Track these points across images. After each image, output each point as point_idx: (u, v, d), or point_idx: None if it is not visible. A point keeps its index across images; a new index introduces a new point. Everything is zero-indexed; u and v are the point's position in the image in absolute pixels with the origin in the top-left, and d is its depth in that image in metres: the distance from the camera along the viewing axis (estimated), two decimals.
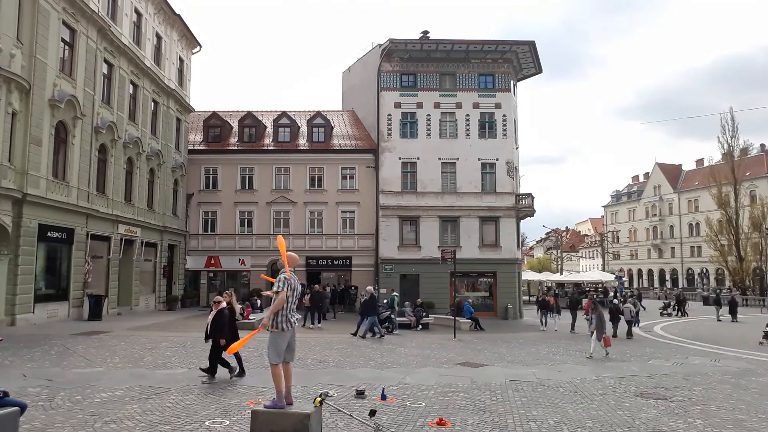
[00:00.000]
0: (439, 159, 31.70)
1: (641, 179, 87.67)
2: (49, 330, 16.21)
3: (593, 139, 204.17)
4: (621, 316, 20.88)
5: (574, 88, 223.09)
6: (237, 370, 10.21)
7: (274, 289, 6.25)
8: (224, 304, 10.52)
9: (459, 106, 32.14)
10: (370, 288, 20.82)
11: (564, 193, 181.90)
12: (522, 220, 33.81)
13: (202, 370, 10.23)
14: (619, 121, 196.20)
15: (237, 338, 10.29)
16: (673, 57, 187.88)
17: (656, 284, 76.30)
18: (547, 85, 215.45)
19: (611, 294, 43.24)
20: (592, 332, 15.46)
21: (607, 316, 19.47)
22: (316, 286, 24.02)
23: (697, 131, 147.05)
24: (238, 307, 11.48)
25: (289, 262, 6.48)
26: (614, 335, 19.93)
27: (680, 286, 71.58)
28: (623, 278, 69.29)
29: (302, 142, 34.22)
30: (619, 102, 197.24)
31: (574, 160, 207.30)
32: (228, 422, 7.09)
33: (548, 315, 23.88)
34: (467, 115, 32.13)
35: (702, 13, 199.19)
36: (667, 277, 77.29)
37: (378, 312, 19.02)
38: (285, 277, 6.26)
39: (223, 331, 10.08)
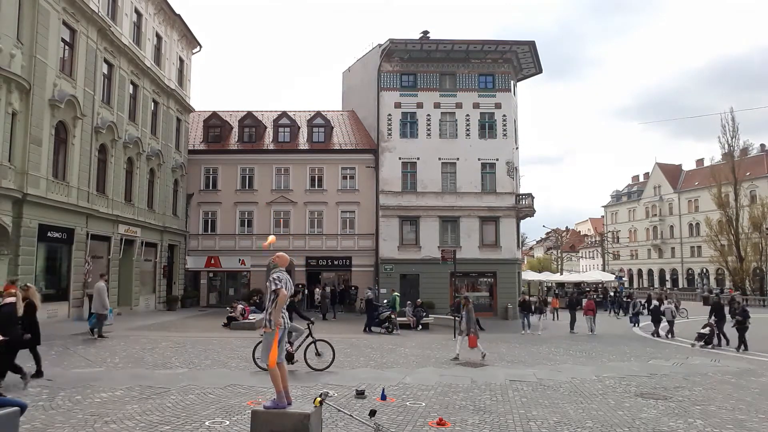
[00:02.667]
0: (439, 159, 31.71)
1: (641, 179, 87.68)
2: (49, 330, 16.14)
3: (592, 140, 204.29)
4: (663, 317, 21.31)
5: (571, 89, 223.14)
6: (29, 377, 8.88)
7: (272, 287, 6.20)
8: (11, 300, 8.93)
9: (459, 106, 32.15)
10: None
11: (564, 193, 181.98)
12: (522, 220, 33.82)
13: None
14: (617, 121, 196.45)
15: (37, 338, 9.38)
16: (668, 58, 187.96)
17: (656, 284, 76.31)
18: (544, 85, 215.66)
19: (611, 294, 43.24)
20: (461, 331, 14.47)
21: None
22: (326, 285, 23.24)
23: (695, 131, 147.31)
24: (39, 303, 9.88)
25: (281, 262, 6.40)
26: (654, 333, 20.67)
27: (680, 286, 71.63)
28: (623, 278, 69.26)
29: (302, 142, 34.23)
30: (617, 103, 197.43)
31: (574, 160, 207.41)
32: (228, 422, 7.08)
33: (530, 316, 23.11)
34: (467, 115, 32.14)
35: (697, 15, 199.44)
36: (667, 277, 77.29)
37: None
38: (278, 276, 6.18)
39: (7, 331, 8.57)
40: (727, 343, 17.42)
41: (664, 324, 21.28)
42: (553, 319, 29.22)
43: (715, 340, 17.59)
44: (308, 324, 11.55)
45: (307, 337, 11.47)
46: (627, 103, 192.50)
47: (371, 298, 22.16)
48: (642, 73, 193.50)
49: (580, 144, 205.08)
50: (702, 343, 17.51)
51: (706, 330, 17.82)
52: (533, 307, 23.19)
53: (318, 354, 11.35)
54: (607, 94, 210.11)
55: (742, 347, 16.50)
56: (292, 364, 11.08)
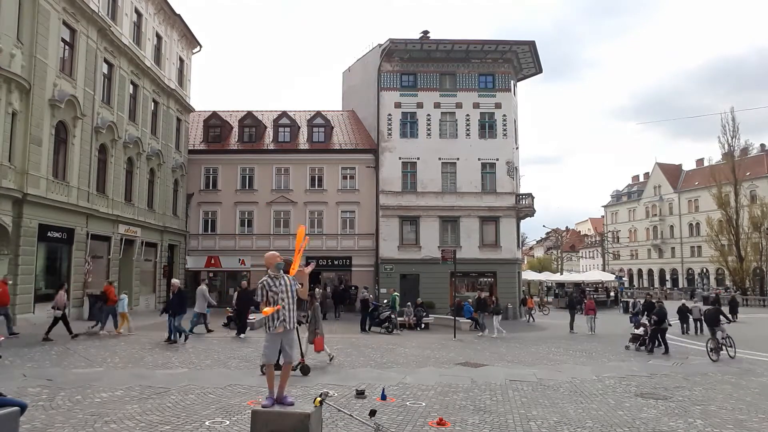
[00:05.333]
0: (439, 159, 31.70)
1: (641, 179, 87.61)
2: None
3: (591, 140, 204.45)
4: (690, 315, 22.17)
5: (568, 89, 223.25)
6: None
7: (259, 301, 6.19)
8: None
9: (459, 106, 32.14)
10: (176, 281, 17.14)
11: (564, 193, 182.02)
12: (522, 220, 33.80)
13: None
14: (615, 122, 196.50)
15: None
16: (664, 59, 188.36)
17: (656, 284, 76.28)
18: (542, 86, 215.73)
19: (613, 293, 43.12)
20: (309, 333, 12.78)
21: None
22: (244, 282, 19.54)
23: (693, 132, 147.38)
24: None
25: (268, 261, 6.24)
26: (683, 332, 21.33)
27: (680, 285, 71.61)
28: (623, 278, 69.24)
29: (302, 142, 34.23)
30: (614, 103, 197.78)
31: (572, 160, 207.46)
32: (228, 422, 7.08)
33: (494, 317, 20.83)
34: (467, 115, 32.13)
35: (692, 16, 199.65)
36: (667, 277, 77.26)
37: (185, 310, 15.80)
38: (260, 285, 6.11)
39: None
40: (665, 349, 16.00)
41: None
42: (529, 321, 28.28)
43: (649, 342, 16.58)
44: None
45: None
46: (624, 103, 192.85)
47: (367, 298, 22.25)
48: (638, 75, 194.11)
49: (578, 144, 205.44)
50: (637, 344, 16.72)
51: (641, 331, 16.98)
52: (491, 307, 21.02)
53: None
54: (604, 94, 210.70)
55: (663, 349, 15.86)
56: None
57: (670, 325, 16.65)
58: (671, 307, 20.34)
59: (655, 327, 16.28)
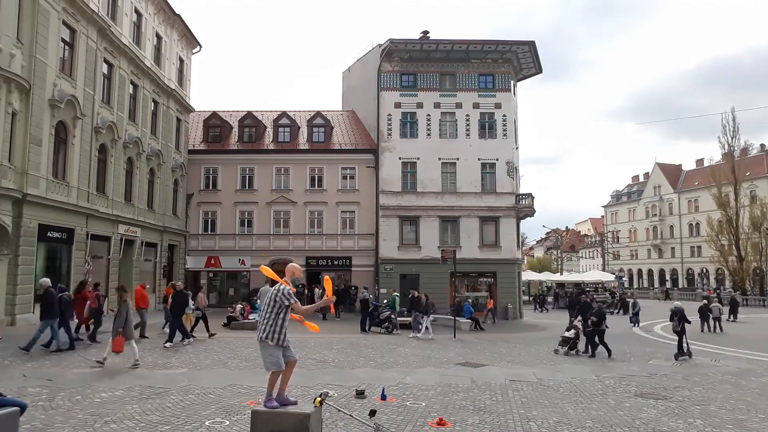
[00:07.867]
0: (439, 159, 31.70)
1: (641, 179, 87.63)
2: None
3: (589, 140, 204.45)
4: (710, 313, 22.84)
5: (565, 90, 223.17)
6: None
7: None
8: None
9: (459, 106, 32.13)
10: (46, 280, 13.70)
11: (564, 193, 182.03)
12: (522, 220, 33.79)
13: None
14: (614, 122, 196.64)
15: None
16: (660, 60, 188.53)
17: (656, 284, 76.29)
18: (539, 87, 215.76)
19: (619, 294, 42.96)
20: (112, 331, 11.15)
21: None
22: (179, 284, 16.95)
23: (691, 132, 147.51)
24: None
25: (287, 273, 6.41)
26: (703, 330, 22.04)
27: (680, 286, 71.66)
28: (623, 278, 69.24)
29: (302, 142, 34.23)
30: (612, 104, 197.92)
31: (571, 161, 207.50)
32: (228, 422, 7.08)
33: (422, 317, 19.75)
34: (467, 115, 32.12)
35: (687, 17, 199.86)
36: (667, 277, 77.27)
37: (64, 315, 13.39)
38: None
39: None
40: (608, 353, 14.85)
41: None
42: (492, 321, 26.70)
43: (581, 345, 15.39)
44: None
45: None
46: (621, 104, 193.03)
47: (367, 298, 22.28)
48: (635, 75, 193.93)
49: (576, 144, 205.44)
50: (566, 348, 15.29)
51: (571, 333, 15.58)
52: (422, 307, 19.72)
53: None
54: (602, 95, 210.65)
55: (591, 351, 14.88)
56: None
57: (607, 327, 15.42)
58: (666, 307, 20.38)
59: (593, 329, 15.00)
